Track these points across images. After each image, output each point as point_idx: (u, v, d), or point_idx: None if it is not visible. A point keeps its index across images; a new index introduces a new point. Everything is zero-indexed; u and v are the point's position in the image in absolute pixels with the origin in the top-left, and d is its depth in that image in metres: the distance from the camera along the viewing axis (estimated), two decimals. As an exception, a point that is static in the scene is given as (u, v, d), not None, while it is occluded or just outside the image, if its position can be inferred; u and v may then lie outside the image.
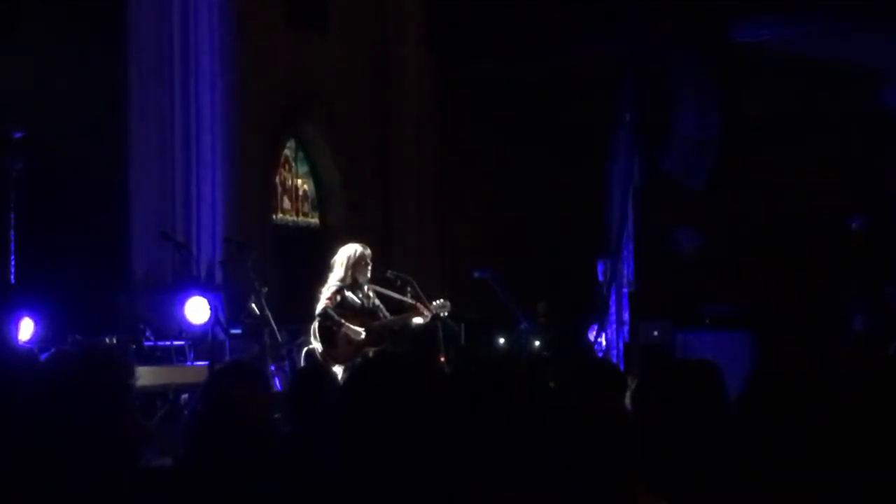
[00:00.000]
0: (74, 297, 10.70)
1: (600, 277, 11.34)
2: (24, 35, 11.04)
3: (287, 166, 15.26)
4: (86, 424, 2.50)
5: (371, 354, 9.05)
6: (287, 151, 15.19)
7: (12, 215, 9.51)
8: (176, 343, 10.74)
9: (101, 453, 2.53)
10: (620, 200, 10.98)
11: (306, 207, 15.59)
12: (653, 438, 3.39)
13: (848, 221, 13.97)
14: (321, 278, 9.40)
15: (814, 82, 14.94)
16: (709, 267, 15.01)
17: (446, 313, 9.50)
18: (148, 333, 10.76)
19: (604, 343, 11.24)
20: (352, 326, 9.14)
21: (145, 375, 9.95)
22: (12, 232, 9.47)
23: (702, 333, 11.93)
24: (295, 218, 15.38)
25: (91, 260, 11.65)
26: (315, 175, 15.63)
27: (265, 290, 10.07)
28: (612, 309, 11.09)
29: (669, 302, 12.64)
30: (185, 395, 9.85)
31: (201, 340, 10.71)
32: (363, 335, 9.15)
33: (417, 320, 9.42)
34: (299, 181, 15.47)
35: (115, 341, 10.27)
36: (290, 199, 15.32)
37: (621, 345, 10.99)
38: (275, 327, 10.04)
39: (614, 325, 11.09)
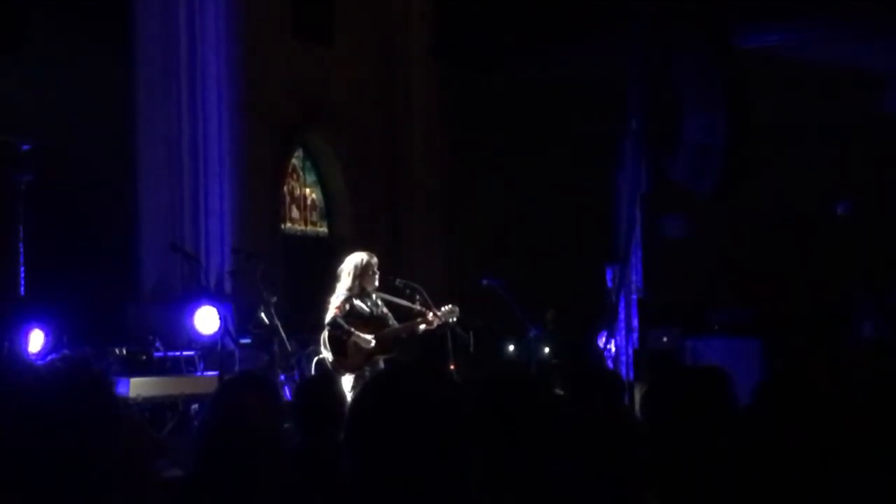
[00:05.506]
0: (84, 309, 10.72)
1: (609, 284, 11.32)
2: (32, 47, 11.07)
3: (295, 176, 15.29)
4: (69, 446, 2.46)
5: (382, 364, 9.08)
6: (295, 161, 15.21)
7: (21, 227, 9.53)
8: (185, 353, 10.76)
9: (89, 476, 2.49)
10: (628, 207, 10.95)
11: (314, 217, 15.61)
12: (662, 445, 3.38)
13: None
14: (330, 287, 9.41)
15: (820, 88, 14.93)
16: (717, 273, 15.00)
17: (455, 319, 9.51)
18: (158, 344, 10.78)
19: (613, 350, 11.21)
20: (361, 335, 9.14)
21: (155, 386, 9.98)
22: (21, 244, 9.48)
23: (711, 340, 11.89)
24: (303, 227, 15.40)
25: (100, 271, 11.67)
26: (323, 184, 15.65)
27: (274, 299, 10.09)
28: (622, 315, 11.05)
29: (678, 308, 12.61)
30: (194, 406, 9.87)
31: (211, 351, 10.73)
32: (373, 343, 9.15)
33: (426, 328, 9.43)
34: (307, 190, 15.50)
35: (124, 352, 10.30)
36: (299, 209, 15.34)
37: (630, 351, 10.95)
38: (284, 337, 10.05)
39: (623, 332, 11.05)
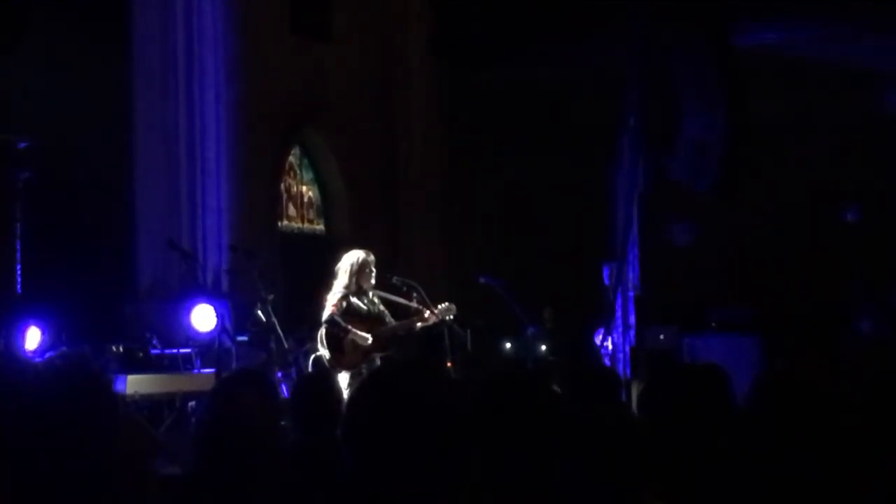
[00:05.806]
0: (81, 306, 10.71)
1: (606, 282, 11.31)
2: (30, 45, 11.06)
3: (292, 173, 15.27)
4: (69, 445, 2.43)
5: (378, 361, 9.07)
6: (292, 158, 15.19)
7: (18, 225, 9.53)
8: (183, 351, 10.76)
9: (89, 475, 2.46)
10: (625, 205, 10.94)
11: (311, 214, 15.58)
12: (660, 443, 3.38)
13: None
14: (327, 285, 9.40)
15: (820, 88, 14.93)
16: (715, 271, 15.00)
17: (452, 317, 9.50)
18: (155, 342, 10.78)
19: (610, 347, 11.21)
20: (359, 333, 9.13)
21: (152, 383, 9.97)
22: (18, 241, 9.48)
23: (708, 337, 11.90)
24: (300, 225, 15.38)
25: (98, 269, 11.67)
26: (320, 182, 15.63)
27: (271, 297, 10.08)
28: (618, 313, 11.05)
29: (676, 306, 12.62)
30: (192, 403, 9.86)
31: (208, 348, 10.72)
32: (370, 341, 9.14)
33: (423, 325, 9.42)
34: (304, 188, 15.47)
35: (121, 350, 10.29)
36: (296, 207, 15.32)
37: (627, 349, 10.94)
38: (281, 334, 10.04)
39: (620, 330, 11.04)
